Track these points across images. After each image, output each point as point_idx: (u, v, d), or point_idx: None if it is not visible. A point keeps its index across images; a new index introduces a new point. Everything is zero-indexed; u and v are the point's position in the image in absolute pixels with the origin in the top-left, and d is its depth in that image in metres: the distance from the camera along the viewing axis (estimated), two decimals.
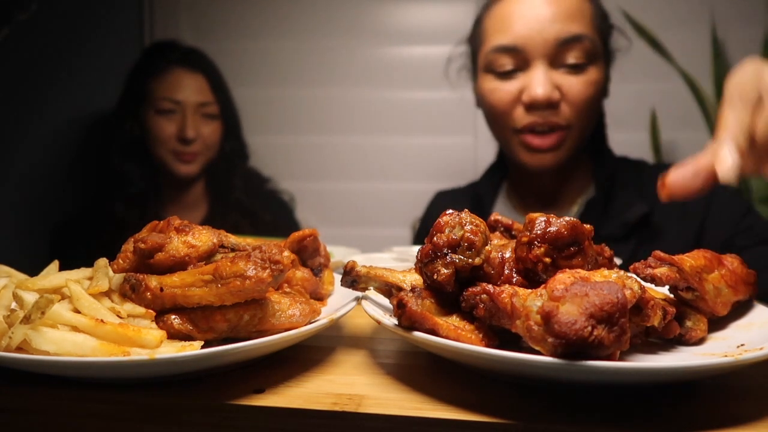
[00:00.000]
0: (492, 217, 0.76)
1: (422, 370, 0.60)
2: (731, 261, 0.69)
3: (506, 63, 1.25)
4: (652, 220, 1.27)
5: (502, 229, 0.75)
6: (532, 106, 1.22)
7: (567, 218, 0.58)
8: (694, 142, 1.97)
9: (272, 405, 0.51)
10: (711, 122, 1.95)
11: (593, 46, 1.22)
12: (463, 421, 0.49)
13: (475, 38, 1.36)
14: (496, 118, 1.30)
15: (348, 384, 0.56)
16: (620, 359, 0.47)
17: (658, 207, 1.26)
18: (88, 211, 1.88)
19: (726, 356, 0.52)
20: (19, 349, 0.52)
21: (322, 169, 2.35)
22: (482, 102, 1.34)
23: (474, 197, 1.49)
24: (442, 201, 1.61)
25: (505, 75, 1.26)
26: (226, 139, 1.90)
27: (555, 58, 1.22)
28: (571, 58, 1.21)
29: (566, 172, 1.34)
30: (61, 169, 2.01)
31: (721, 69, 1.92)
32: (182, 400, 0.53)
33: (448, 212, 0.59)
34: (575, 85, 1.22)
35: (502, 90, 1.27)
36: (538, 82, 1.20)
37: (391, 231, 2.23)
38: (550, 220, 0.57)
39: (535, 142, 1.24)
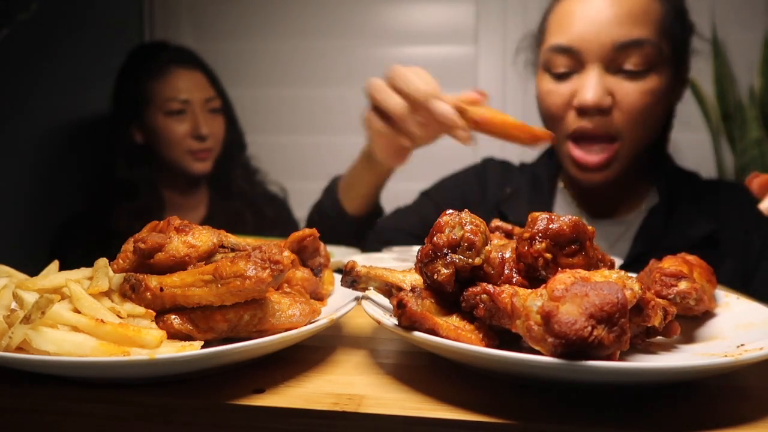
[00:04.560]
0: (493, 224, 0.76)
1: (422, 370, 0.60)
2: (693, 258, 0.72)
3: (562, 64, 1.20)
4: (717, 239, 1.21)
5: (502, 234, 0.75)
6: (582, 111, 1.17)
7: (569, 216, 0.58)
8: (694, 142, 1.97)
9: (272, 405, 0.51)
10: (711, 122, 1.95)
11: (656, 52, 1.14)
12: (462, 421, 0.49)
13: (539, 34, 1.31)
14: (549, 121, 1.26)
15: (348, 384, 0.56)
16: (620, 359, 0.47)
17: (724, 226, 1.21)
18: (89, 214, 1.88)
19: (726, 356, 0.52)
20: (19, 349, 0.52)
21: (321, 168, 2.34)
22: (538, 102, 1.29)
23: (533, 178, 1.40)
24: (494, 171, 1.50)
25: (560, 76, 1.21)
26: (228, 131, 1.90)
27: (611, 62, 1.15)
28: (629, 64, 1.14)
29: (623, 179, 1.27)
30: (63, 169, 2.01)
31: (721, 69, 1.92)
32: (182, 400, 0.53)
33: (448, 212, 0.59)
34: (631, 92, 1.14)
35: (555, 92, 1.22)
36: (590, 86, 1.14)
37: None
38: (552, 217, 0.58)
39: (584, 159, 1.19)
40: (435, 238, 0.57)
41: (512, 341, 0.55)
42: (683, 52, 1.23)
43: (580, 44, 1.16)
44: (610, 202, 1.34)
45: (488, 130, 1.02)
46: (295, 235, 0.76)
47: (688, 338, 0.65)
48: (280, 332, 0.58)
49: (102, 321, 0.54)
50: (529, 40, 1.37)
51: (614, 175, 1.21)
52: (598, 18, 1.15)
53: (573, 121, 1.19)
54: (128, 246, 0.63)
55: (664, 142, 1.37)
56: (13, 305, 0.58)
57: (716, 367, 0.48)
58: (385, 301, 0.67)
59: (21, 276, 0.65)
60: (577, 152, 1.20)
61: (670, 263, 0.67)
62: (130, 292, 0.58)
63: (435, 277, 0.56)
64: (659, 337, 0.59)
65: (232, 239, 0.64)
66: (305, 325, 0.60)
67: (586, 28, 1.16)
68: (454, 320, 0.56)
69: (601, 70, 1.15)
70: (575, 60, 1.18)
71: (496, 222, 0.77)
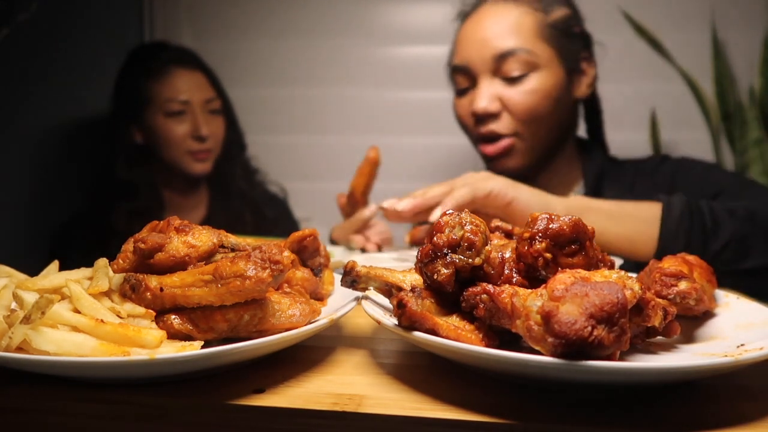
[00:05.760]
0: (493, 224, 0.76)
1: (422, 370, 0.60)
2: (693, 258, 0.72)
3: (461, 81, 1.38)
4: None
5: (502, 234, 0.75)
6: (478, 119, 1.34)
7: (569, 216, 0.58)
8: (694, 142, 1.97)
9: (272, 405, 0.51)
10: (711, 122, 1.95)
11: (531, 57, 1.30)
12: (463, 421, 0.49)
13: (450, 56, 1.47)
14: (463, 128, 1.44)
15: (348, 384, 0.56)
16: (620, 359, 0.47)
17: (642, 199, 1.31)
18: (89, 214, 1.87)
19: (726, 356, 0.52)
20: (19, 349, 0.52)
21: (321, 168, 2.35)
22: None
23: None
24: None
25: (462, 92, 1.40)
26: (228, 132, 1.90)
27: (496, 72, 1.32)
28: (510, 71, 1.30)
29: (547, 171, 1.41)
30: (63, 169, 2.01)
31: (721, 69, 1.92)
32: (182, 400, 0.53)
33: (448, 212, 0.59)
34: (514, 95, 1.30)
35: (460, 106, 1.41)
36: (478, 96, 1.32)
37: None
38: (552, 217, 0.58)
39: (486, 150, 1.36)
40: (435, 238, 0.57)
41: (512, 341, 0.55)
42: (571, 51, 1.36)
43: (468, 62, 1.35)
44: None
45: (368, 189, 1.32)
46: (295, 235, 0.76)
47: (688, 338, 0.65)
48: (280, 332, 0.58)
49: (102, 321, 0.54)
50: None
51: (523, 163, 1.35)
52: (479, 37, 1.33)
53: (474, 128, 1.37)
54: (128, 246, 0.63)
55: (596, 135, 1.50)
56: (13, 305, 0.58)
57: (716, 367, 0.48)
58: (385, 301, 0.67)
59: (21, 276, 0.65)
60: (482, 146, 1.38)
61: (670, 263, 0.67)
62: (130, 292, 0.58)
63: (435, 277, 0.56)
64: (659, 337, 0.59)
65: (232, 239, 0.64)
66: (305, 325, 0.60)
67: (473, 47, 1.34)
68: (454, 320, 0.56)
69: (489, 81, 1.33)
70: (469, 76, 1.36)
71: (496, 222, 0.77)
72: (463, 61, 1.35)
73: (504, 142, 1.33)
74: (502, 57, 1.30)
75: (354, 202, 1.31)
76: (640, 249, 1.07)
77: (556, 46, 1.33)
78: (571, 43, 1.36)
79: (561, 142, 1.40)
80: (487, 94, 1.31)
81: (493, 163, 1.38)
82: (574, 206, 1.07)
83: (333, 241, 1.36)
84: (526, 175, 1.34)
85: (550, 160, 1.40)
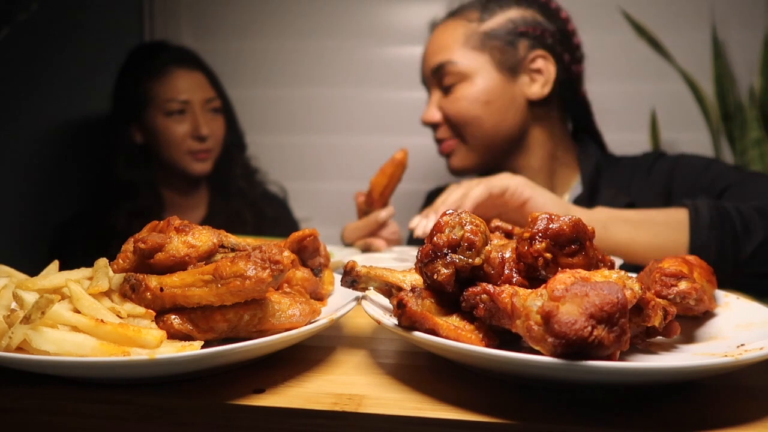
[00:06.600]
0: (493, 224, 0.76)
1: (422, 370, 0.60)
2: (693, 258, 0.72)
3: (427, 92, 1.51)
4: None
5: (502, 234, 0.75)
6: (432, 127, 1.47)
7: (569, 216, 0.58)
8: (694, 142, 1.97)
9: (272, 405, 0.51)
10: (711, 122, 1.95)
11: (456, 67, 1.39)
12: (463, 421, 0.49)
13: None
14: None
15: (348, 384, 0.56)
16: (620, 359, 0.47)
17: (639, 196, 1.33)
18: (89, 214, 1.87)
19: (726, 356, 0.52)
20: (19, 349, 0.52)
21: (321, 168, 2.35)
22: None
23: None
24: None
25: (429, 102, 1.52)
26: (228, 131, 1.90)
27: (438, 84, 1.44)
28: (445, 83, 1.41)
29: (538, 171, 1.45)
30: (63, 169, 2.01)
31: (721, 69, 1.92)
32: (182, 400, 0.53)
33: (448, 212, 0.59)
34: (446, 104, 1.42)
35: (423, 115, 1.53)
36: (426, 107, 1.47)
37: None
38: (553, 217, 0.58)
39: (439, 150, 1.50)
40: (435, 238, 0.57)
41: (512, 341, 0.55)
42: (510, 54, 1.40)
43: (424, 77, 1.49)
44: None
45: (389, 190, 1.30)
46: (295, 235, 0.76)
47: (688, 338, 0.65)
48: (280, 332, 0.58)
49: (102, 321, 0.54)
50: None
51: (468, 163, 1.46)
52: (426, 54, 1.47)
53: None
54: (128, 246, 0.63)
55: (590, 132, 1.51)
56: (13, 305, 0.58)
57: (716, 367, 0.48)
58: (385, 301, 0.67)
59: (21, 276, 0.65)
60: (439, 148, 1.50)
61: (670, 263, 0.67)
62: (130, 292, 0.58)
63: (435, 277, 0.56)
64: (659, 337, 0.59)
65: (232, 239, 0.64)
66: (305, 325, 0.60)
67: (424, 63, 1.48)
68: (454, 320, 0.56)
69: (435, 92, 1.45)
70: (427, 87, 1.49)
71: (496, 222, 0.77)
72: (422, 77, 1.51)
73: (446, 144, 1.46)
74: (436, 71, 1.41)
75: (371, 201, 1.30)
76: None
77: (489, 51, 1.39)
78: (510, 45, 1.40)
79: (513, 141, 1.43)
80: (431, 105, 1.45)
81: (448, 161, 1.52)
82: (597, 218, 1.06)
83: (345, 242, 1.33)
84: (486, 172, 1.40)
85: (528, 158, 1.44)
